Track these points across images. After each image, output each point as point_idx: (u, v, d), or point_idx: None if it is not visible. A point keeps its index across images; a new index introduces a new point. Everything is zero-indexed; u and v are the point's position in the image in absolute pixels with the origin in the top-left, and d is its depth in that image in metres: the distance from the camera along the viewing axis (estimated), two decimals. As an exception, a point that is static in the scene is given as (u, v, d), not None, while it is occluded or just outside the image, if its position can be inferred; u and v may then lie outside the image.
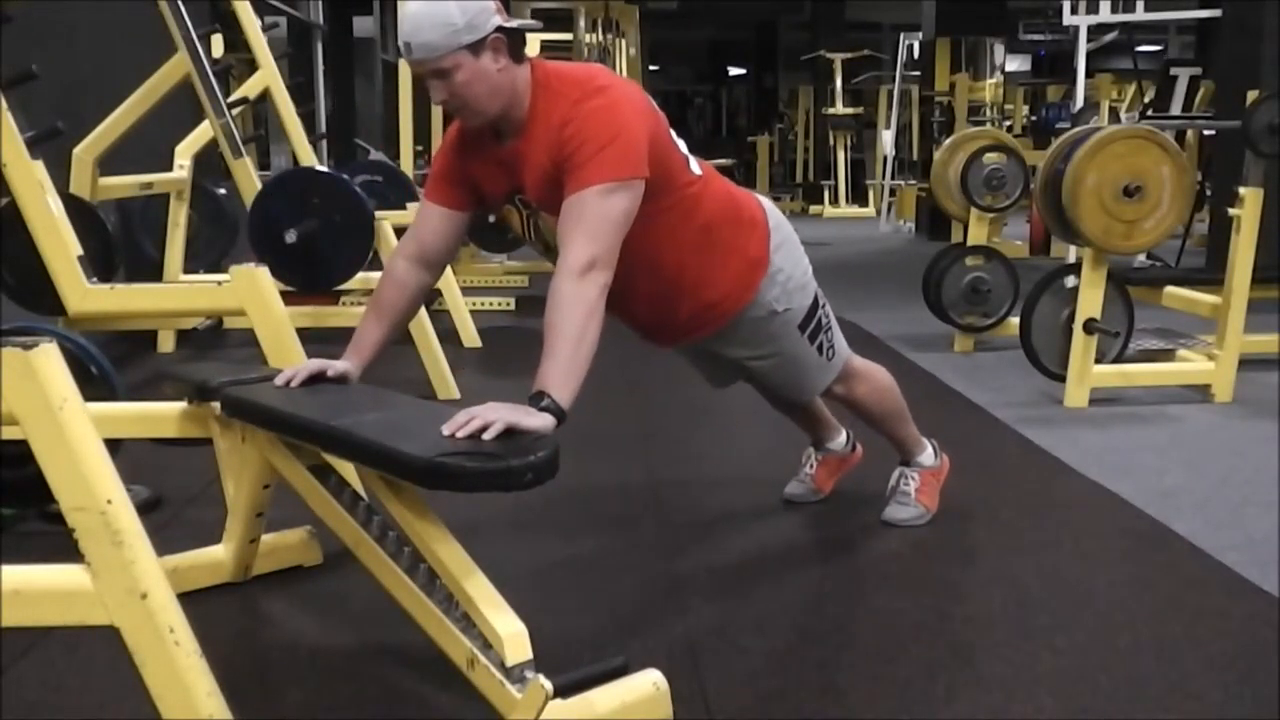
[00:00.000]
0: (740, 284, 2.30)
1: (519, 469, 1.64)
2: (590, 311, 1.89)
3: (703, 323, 2.34)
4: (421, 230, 2.21)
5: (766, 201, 2.43)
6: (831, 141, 14.37)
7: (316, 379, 2.10)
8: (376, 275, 2.77)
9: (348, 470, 2.10)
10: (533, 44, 12.02)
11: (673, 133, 2.18)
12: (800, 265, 2.41)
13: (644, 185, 2.00)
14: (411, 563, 1.84)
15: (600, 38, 10.22)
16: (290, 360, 2.40)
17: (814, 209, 14.47)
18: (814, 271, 2.46)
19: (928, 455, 2.74)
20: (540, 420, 1.77)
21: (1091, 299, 3.90)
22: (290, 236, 3.85)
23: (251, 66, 5.24)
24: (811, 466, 2.88)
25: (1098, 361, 3.98)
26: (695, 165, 2.23)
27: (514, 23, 2.00)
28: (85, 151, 4.14)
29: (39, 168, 2.75)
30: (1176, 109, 7.28)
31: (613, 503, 2.92)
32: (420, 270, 2.21)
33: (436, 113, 9.15)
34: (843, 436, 2.89)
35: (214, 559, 2.32)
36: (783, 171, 16.92)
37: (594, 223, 1.94)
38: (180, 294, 3.34)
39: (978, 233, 5.18)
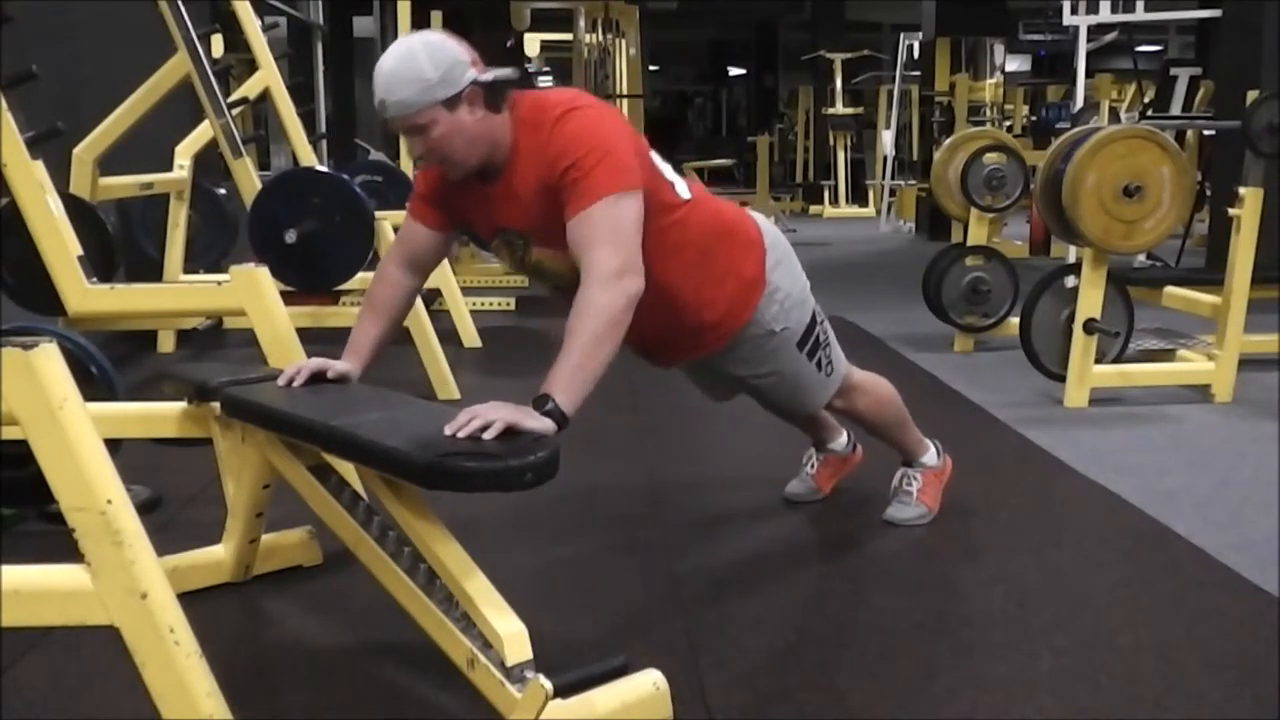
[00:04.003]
0: (738, 304, 2.29)
1: (519, 469, 1.64)
2: (613, 323, 1.89)
3: (700, 344, 2.34)
4: (407, 242, 2.24)
5: (762, 219, 2.41)
6: (831, 141, 14.35)
7: (317, 379, 2.11)
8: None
9: (348, 470, 2.10)
10: (532, 44, 12.05)
11: (656, 156, 2.17)
12: (798, 282, 2.40)
13: (644, 196, 1.99)
14: (411, 563, 1.84)
15: (600, 38, 10.22)
16: (290, 360, 2.39)
17: (814, 209, 14.45)
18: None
19: (930, 456, 2.74)
20: (541, 423, 1.77)
21: (1091, 299, 3.89)
22: (290, 236, 3.85)
23: (251, 66, 5.23)
24: (812, 467, 2.88)
25: (1098, 361, 3.97)
26: (683, 188, 2.20)
27: (490, 75, 1.99)
28: (85, 151, 4.14)
29: (39, 168, 2.75)
30: (1176, 109, 7.27)
31: (613, 503, 2.92)
32: (411, 274, 2.25)
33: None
34: (844, 438, 2.89)
35: (214, 559, 2.32)
36: (783, 171, 16.90)
37: (611, 231, 1.93)
38: (180, 294, 3.34)
39: (978, 233, 5.18)
